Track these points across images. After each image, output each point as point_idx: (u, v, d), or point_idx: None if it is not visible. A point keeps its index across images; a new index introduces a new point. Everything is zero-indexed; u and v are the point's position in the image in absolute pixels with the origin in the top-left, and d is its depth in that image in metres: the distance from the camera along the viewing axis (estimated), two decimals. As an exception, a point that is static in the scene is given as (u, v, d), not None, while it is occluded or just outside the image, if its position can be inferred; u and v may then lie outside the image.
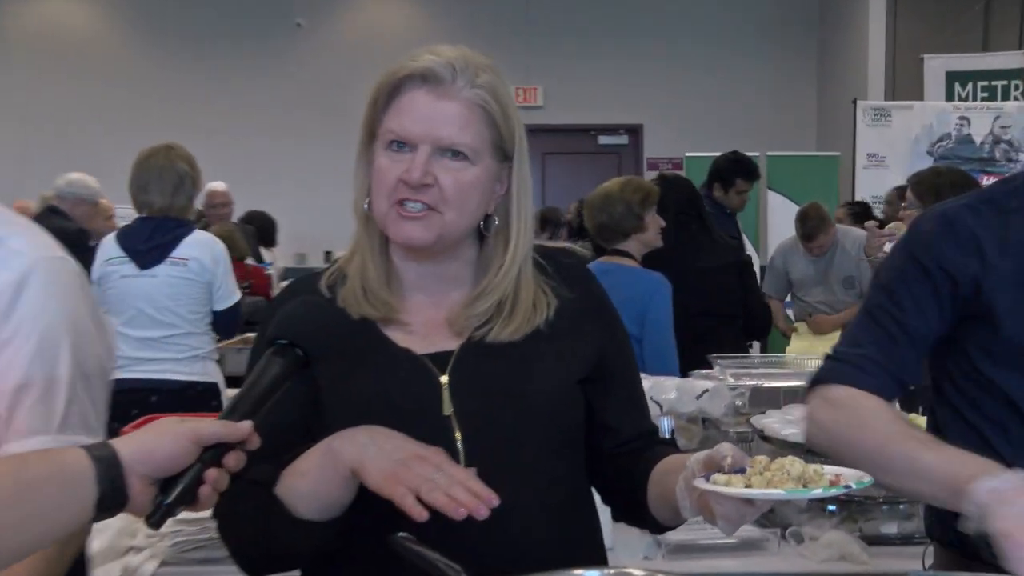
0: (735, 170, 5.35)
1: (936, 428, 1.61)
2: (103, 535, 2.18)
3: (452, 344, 1.35)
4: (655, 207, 3.55)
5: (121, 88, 9.56)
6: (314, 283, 1.40)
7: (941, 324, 1.52)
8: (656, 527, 1.38)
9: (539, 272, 1.41)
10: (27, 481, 1.02)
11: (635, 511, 1.38)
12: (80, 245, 5.21)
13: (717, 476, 1.14)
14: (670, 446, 1.46)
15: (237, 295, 3.78)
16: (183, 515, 2.07)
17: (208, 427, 1.09)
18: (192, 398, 3.51)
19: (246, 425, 1.11)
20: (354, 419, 1.26)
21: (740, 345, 4.09)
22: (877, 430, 1.45)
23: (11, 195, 5.50)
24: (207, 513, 2.07)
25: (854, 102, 8.12)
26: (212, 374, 3.75)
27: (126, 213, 7.89)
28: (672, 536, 2.09)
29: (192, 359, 3.67)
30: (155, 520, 1.08)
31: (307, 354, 1.20)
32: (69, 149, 8.97)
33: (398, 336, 1.35)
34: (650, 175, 7.25)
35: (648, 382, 2.28)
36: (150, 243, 3.62)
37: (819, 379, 1.56)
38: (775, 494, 1.11)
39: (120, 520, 2.24)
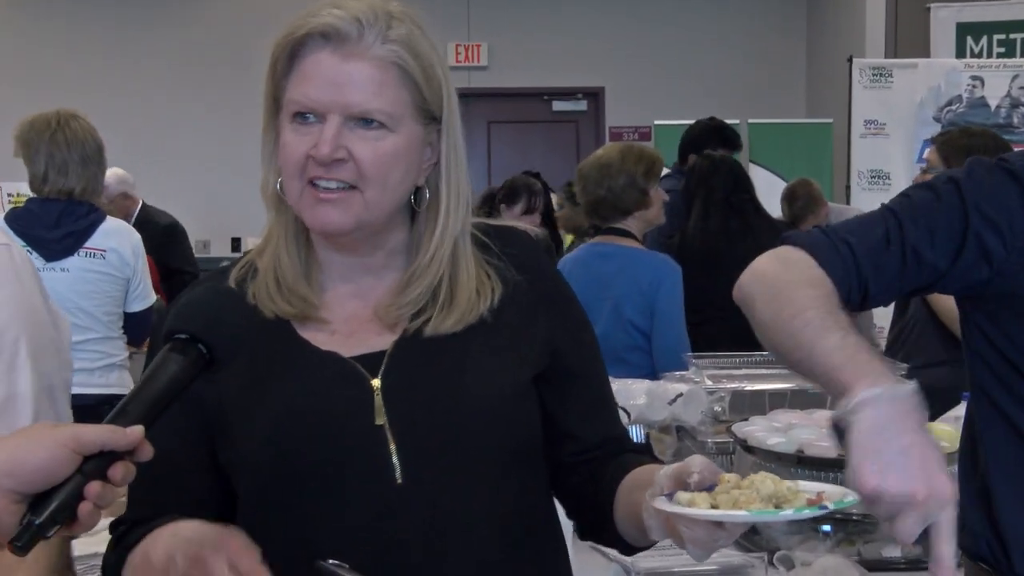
0: (712, 139, 5.38)
1: (970, 421, 1.70)
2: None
3: (384, 342, 1.36)
4: (659, 179, 3.57)
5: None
6: (220, 280, 1.40)
7: (946, 262, 1.57)
8: (626, 547, 1.39)
9: (482, 251, 1.42)
10: None
11: (601, 528, 1.39)
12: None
13: (681, 494, 1.15)
14: (643, 454, 1.47)
15: (152, 296, 3.76)
16: (93, 549, 2.06)
17: (90, 433, 1.07)
18: (104, 415, 3.46)
19: (136, 431, 1.10)
20: (269, 436, 1.29)
21: None
22: (797, 299, 1.50)
23: None
24: (95, 548, 2.06)
25: (849, 60, 8.21)
26: (127, 385, 3.70)
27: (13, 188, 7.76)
28: (643, 562, 2.11)
29: (107, 368, 3.63)
30: (22, 544, 1.04)
31: (211, 352, 1.20)
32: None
33: (320, 337, 1.36)
34: (612, 145, 7.27)
35: (614, 385, 2.29)
36: (59, 230, 3.55)
37: (792, 238, 1.63)
38: (738, 516, 1.12)
39: None
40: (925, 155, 3.91)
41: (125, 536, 1.33)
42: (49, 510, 1.04)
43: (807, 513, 1.14)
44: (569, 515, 1.49)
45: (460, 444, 1.32)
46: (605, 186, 3.50)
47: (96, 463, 1.07)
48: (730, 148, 5.45)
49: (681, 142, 5.45)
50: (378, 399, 1.32)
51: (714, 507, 1.12)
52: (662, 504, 1.15)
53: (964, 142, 3.74)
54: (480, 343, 1.36)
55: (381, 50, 1.29)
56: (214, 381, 1.31)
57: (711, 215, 4.02)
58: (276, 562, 1.25)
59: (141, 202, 6.08)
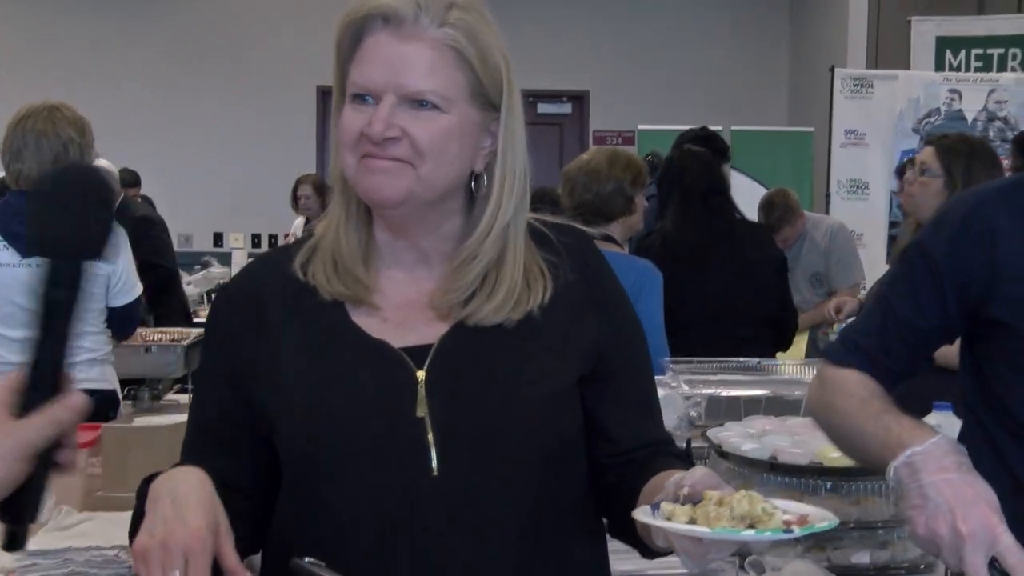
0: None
1: (961, 437, 1.73)
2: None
3: (433, 333, 1.36)
4: (644, 188, 3.56)
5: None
6: (284, 263, 1.41)
7: (942, 319, 1.65)
8: (645, 550, 1.38)
9: (540, 246, 1.42)
10: None
11: (624, 530, 1.38)
12: None
13: (665, 506, 1.16)
14: (680, 458, 1.45)
15: (138, 289, 3.69)
16: (38, 546, 2.06)
17: (37, 433, 1.07)
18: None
19: (76, 398, 1.11)
20: (313, 416, 1.31)
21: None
22: (837, 407, 1.66)
23: None
24: (67, 542, 2.07)
25: (831, 70, 8.25)
26: (110, 380, 3.66)
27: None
28: (619, 566, 2.12)
29: (88, 363, 3.53)
30: (13, 547, 1.09)
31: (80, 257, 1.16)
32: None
33: (372, 324, 1.37)
34: (596, 150, 7.27)
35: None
36: None
37: (823, 351, 1.81)
38: (698, 531, 1.13)
39: None
40: (921, 157, 3.87)
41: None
42: (23, 512, 1.08)
43: (768, 536, 1.15)
44: (601, 514, 1.47)
45: (499, 441, 1.32)
46: (592, 191, 3.48)
47: (45, 454, 1.08)
48: (722, 158, 5.43)
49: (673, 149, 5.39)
50: (421, 391, 1.32)
51: (692, 521, 1.13)
52: (637, 513, 1.17)
53: (965, 148, 3.72)
54: (528, 341, 1.36)
55: (438, 32, 1.29)
56: (262, 356, 1.35)
57: (691, 216, 3.93)
58: (310, 542, 1.29)
59: (123, 194, 6.02)
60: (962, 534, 1.30)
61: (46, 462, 1.08)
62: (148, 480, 1.31)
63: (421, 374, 1.33)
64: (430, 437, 1.31)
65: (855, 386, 1.65)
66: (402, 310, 1.38)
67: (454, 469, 1.30)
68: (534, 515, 1.32)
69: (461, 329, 1.35)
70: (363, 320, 1.37)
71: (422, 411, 1.31)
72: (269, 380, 1.36)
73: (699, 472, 1.20)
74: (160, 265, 5.35)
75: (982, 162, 3.61)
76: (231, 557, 1.19)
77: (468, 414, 1.32)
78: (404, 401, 1.32)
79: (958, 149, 3.71)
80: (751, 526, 1.14)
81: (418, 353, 1.34)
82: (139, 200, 6.04)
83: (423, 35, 1.29)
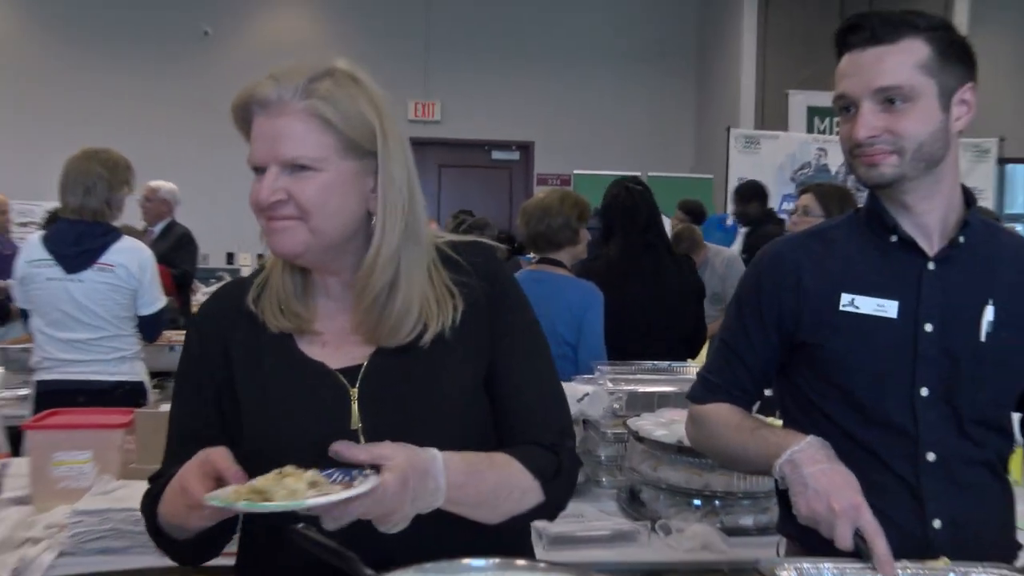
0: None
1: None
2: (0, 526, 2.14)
3: (363, 353, 1.31)
4: (587, 222, 3.55)
5: (23, 86, 9.18)
6: (239, 296, 1.36)
7: (767, 348, 1.64)
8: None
9: (451, 269, 1.35)
10: None
11: None
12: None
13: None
14: (524, 450, 1.32)
15: (161, 301, 3.66)
16: (84, 506, 2.05)
17: None
18: (119, 397, 3.38)
19: None
20: (269, 434, 1.27)
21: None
22: (718, 436, 1.65)
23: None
24: (107, 504, 2.06)
25: (727, 129, 8.35)
26: (139, 373, 3.63)
27: (23, 208, 7.63)
28: (551, 528, 2.11)
29: (119, 360, 3.55)
30: None
31: None
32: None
33: (314, 349, 1.32)
34: (539, 189, 7.34)
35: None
36: (78, 248, 3.49)
37: (688, 396, 1.75)
38: (214, 502, 1.08)
39: (18, 513, 2.23)
40: (803, 201, 3.94)
41: (155, 480, 1.33)
42: None
43: (256, 508, 1.06)
44: None
45: (422, 444, 1.23)
46: (545, 223, 3.46)
47: None
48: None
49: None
50: (355, 406, 1.28)
51: (259, 493, 1.08)
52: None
53: (837, 193, 3.88)
54: (443, 356, 1.30)
55: (301, 104, 1.23)
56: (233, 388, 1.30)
57: (632, 247, 3.88)
58: (258, 541, 1.27)
59: (173, 215, 6.11)
60: (835, 511, 1.33)
61: None
62: (147, 495, 1.32)
63: (354, 391, 1.29)
64: (362, 443, 1.22)
65: (725, 416, 1.64)
66: (338, 335, 1.32)
67: None
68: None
69: (383, 351, 1.30)
70: (306, 346, 1.32)
71: (356, 424, 1.27)
72: (230, 398, 1.31)
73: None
74: (192, 269, 5.75)
75: (849, 203, 3.72)
76: (222, 464, 1.15)
77: (393, 424, 1.25)
78: (341, 414, 1.27)
79: (832, 194, 3.87)
80: (266, 499, 1.07)
81: (351, 372, 1.29)
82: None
83: (288, 110, 1.23)
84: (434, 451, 1.18)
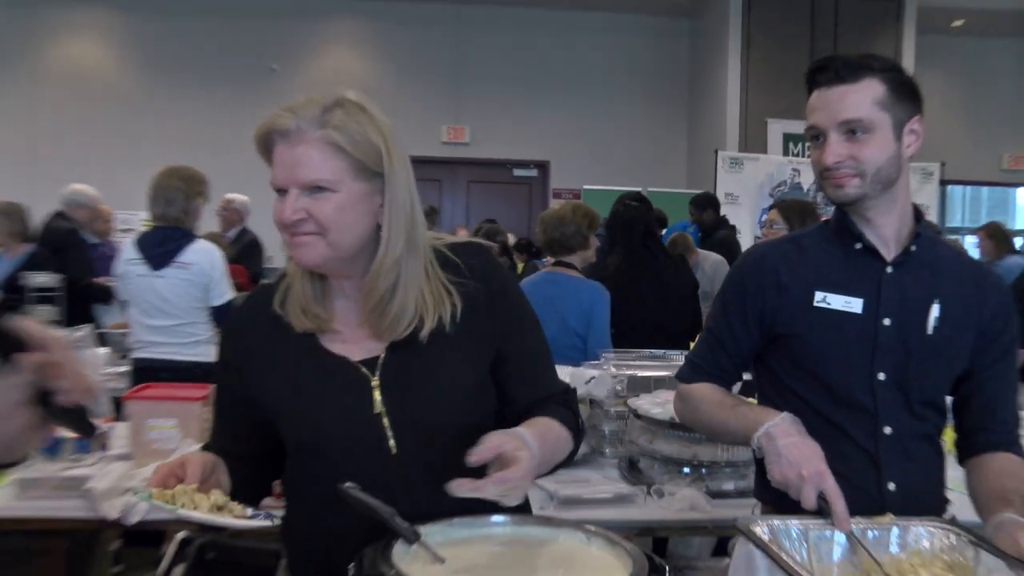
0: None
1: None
2: (107, 477, 2.18)
3: (379, 346, 1.29)
4: (596, 230, 3.55)
5: (123, 114, 9.27)
6: (267, 302, 1.34)
7: (748, 338, 1.64)
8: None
9: (448, 270, 1.32)
10: None
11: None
12: (71, 240, 5.25)
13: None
14: (561, 404, 1.35)
15: (230, 294, 3.71)
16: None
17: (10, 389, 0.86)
18: (196, 375, 3.43)
19: (32, 357, 0.89)
20: (306, 422, 1.26)
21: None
22: (702, 411, 1.64)
23: (25, 200, 5.34)
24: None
25: (716, 152, 8.32)
26: (211, 355, 3.65)
27: (125, 217, 7.70)
28: (562, 491, 2.14)
29: (195, 343, 3.64)
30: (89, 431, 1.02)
31: None
32: (76, 163, 8.71)
33: (335, 345, 1.30)
34: (555, 202, 7.36)
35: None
36: (161, 249, 3.60)
37: (677, 376, 1.74)
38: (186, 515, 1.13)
39: (121, 467, 2.30)
40: (768, 216, 3.94)
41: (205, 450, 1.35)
42: (81, 430, 1.00)
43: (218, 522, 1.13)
44: None
45: (434, 424, 1.26)
46: (559, 231, 3.47)
47: (43, 396, 0.92)
48: (649, 211, 5.19)
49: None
50: (376, 393, 1.26)
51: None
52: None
53: (798, 207, 3.87)
54: (449, 347, 1.28)
55: (317, 134, 1.21)
56: (265, 390, 1.29)
57: (634, 253, 3.86)
58: (307, 506, 1.27)
59: (245, 223, 6.20)
60: (803, 477, 1.33)
61: (46, 402, 0.90)
62: None
63: (375, 380, 1.27)
64: (387, 425, 1.25)
65: (709, 394, 1.64)
66: (355, 331, 1.30)
67: (406, 447, 1.24)
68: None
69: (396, 344, 1.28)
70: (328, 343, 1.30)
71: (378, 408, 1.25)
72: (268, 392, 1.30)
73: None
74: (259, 270, 5.78)
75: (810, 217, 3.71)
76: (192, 475, 1.19)
77: (410, 409, 1.25)
78: (364, 401, 1.26)
79: (793, 208, 3.87)
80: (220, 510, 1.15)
81: (370, 364, 1.28)
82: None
83: (305, 138, 1.21)
84: (519, 430, 1.19)
